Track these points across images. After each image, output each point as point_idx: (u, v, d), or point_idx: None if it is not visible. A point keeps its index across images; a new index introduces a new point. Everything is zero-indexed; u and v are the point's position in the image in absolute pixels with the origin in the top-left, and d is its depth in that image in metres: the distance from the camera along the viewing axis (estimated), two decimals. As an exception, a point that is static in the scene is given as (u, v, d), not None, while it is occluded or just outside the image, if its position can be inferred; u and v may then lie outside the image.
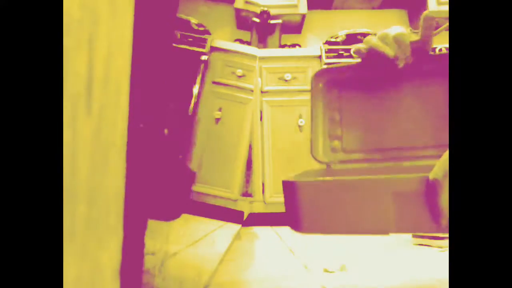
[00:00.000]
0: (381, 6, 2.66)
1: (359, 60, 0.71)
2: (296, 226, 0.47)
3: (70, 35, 0.24)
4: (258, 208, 1.88)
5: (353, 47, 0.69)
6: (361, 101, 0.75)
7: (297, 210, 0.46)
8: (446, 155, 0.41)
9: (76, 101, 0.25)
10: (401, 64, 0.67)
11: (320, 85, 0.76)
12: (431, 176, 0.41)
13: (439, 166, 0.41)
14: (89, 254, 0.28)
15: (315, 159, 0.74)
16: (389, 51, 0.66)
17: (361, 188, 0.44)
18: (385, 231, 0.43)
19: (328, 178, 0.49)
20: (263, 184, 1.84)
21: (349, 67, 0.75)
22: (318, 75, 0.76)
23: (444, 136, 0.68)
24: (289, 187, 0.47)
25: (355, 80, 0.75)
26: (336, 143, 0.75)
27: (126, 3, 0.29)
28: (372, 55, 0.67)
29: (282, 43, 2.18)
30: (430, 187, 0.41)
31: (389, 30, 0.66)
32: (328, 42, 2.23)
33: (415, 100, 0.72)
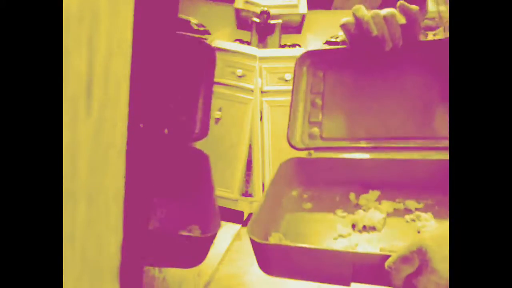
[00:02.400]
0: (381, 7, 2.65)
1: (345, 39, 0.68)
2: (264, 269, 0.50)
3: (70, 35, 0.24)
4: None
5: (341, 21, 0.66)
6: (345, 86, 0.71)
7: (262, 259, 0.50)
8: (403, 246, 0.42)
9: (76, 101, 0.25)
10: (388, 47, 0.63)
11: (304, 67, 0.73)
12: (386, 264, 0.42)
13: (395, 255, 0.42)
14: (89, 254, 0.27)
15: (291, 145, 0.71)
16: (373, 28, 0.62)
17: (321, 256, 0.48)
18: (344, 284, 0.46)
19: (292, 244, 0.53)
20: (263, 184, 1.84)
21: (336, 50, 0.71)
22: (303, 57, 0.73)
23: (428, 129, 0.66)
24: (255, 246, 0.50)
25: (341, 65, 0.71)
26: (315, 129, 0.71)
27: (126, 3, 0.29)
28: (358, 29, 0.63)
29: (282, 43, 2.17)
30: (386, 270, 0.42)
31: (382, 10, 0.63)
32: (328, 42, 2.21)
33: (401, 88, 0.68)
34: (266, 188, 0.67)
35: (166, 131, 0.67)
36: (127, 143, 0.30)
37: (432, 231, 0.42)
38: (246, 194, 1.52)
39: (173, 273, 0.73)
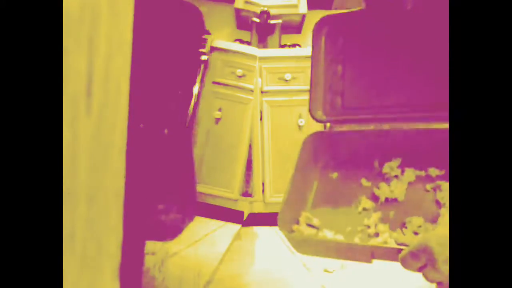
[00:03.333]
0: None
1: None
2: (297, 251, 0.59)
3: (70, 35, 0.24)
4: (258, 208, 1.88)
5: None
6: (366, 52, 0.68)
7: (293, 245, 0.58)
8: (417, 243, 0.46)
9: (76, 101, 0.25)
10: (409, 5, 0.60)
11: (323, 36, 0.70)
12: (399, 257, 0.47)
13: (406, 251, 0.46)
14: (89, 254, 0.27)
15: (314, 118, 0.70)
16: None
17: (344, 247, 0.56)
18: (367, 261, 0.52)
19: (315, 238, 0.60)
20: (263, 184, 1.84)
21: (355, 13, 0.68)
22: (321, 23, 0.69)
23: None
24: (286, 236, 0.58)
25: (361, 30, 0.68)
26: (337, 98, 0.70)
27: (126, 3, 0.29)
28: None
29: (282, 43, 2.18)
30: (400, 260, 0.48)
31: None
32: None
33: (424, 51, 0.63)
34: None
35: (166, 131, 0.67)
36: (127, 143, 0.30)
37: (436, 231, 0.46)
38: (246, 194, 1.52)
39: (172, 273, 0.73)
